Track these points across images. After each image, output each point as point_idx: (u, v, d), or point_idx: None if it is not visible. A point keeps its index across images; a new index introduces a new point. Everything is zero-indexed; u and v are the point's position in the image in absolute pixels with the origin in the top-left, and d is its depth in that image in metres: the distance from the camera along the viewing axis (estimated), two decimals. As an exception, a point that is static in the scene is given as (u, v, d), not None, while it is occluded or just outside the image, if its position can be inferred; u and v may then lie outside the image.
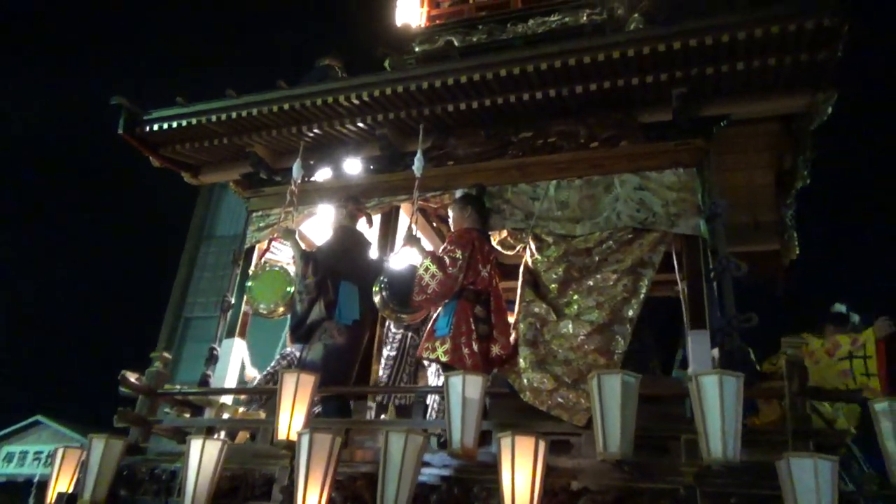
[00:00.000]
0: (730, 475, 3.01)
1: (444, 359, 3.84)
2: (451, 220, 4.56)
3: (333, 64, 5.41)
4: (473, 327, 3.94)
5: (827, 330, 4.43)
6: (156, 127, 5.16)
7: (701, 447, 2.94)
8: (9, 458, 15.03)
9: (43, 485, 4.13)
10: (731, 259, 4.05)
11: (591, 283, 4.09)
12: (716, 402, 2.88)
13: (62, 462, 4.06)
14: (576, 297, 4.08)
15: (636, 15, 5.24)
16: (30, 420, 15.36)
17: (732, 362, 3.52)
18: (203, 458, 3.56)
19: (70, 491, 3.98)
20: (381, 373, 4.74)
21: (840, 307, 4.59)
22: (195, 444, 3.60)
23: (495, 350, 3.97)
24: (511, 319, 4.22)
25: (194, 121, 5.06)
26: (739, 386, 2.93)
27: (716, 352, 3.83)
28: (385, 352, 4.87)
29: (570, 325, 3.96)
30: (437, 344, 3.89)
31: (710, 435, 2.88)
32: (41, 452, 14.36)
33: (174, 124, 5.11)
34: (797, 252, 6.15)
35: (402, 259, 4.47)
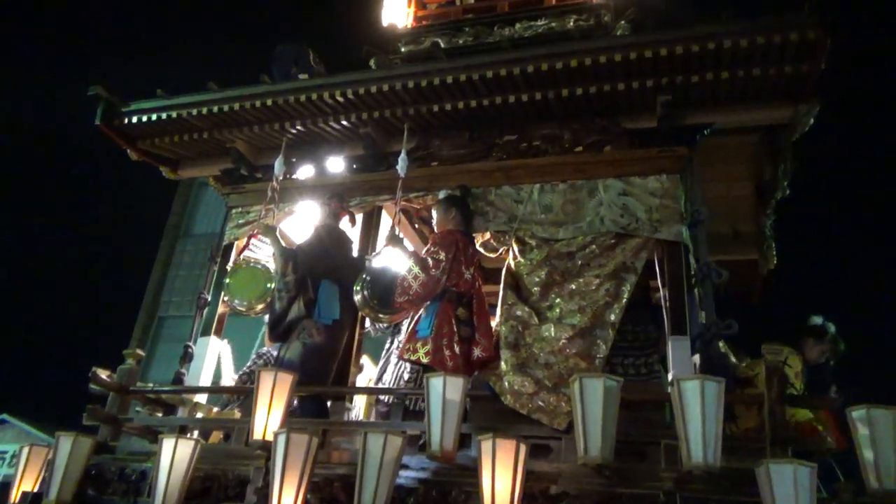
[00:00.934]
0: (709, 481, 3.00)
1: (424, 360, 3.80)
2: (434, 222, 4.52)
3: (298, 45, 5.33)
4: (455, 329, 3.91)
5: (807, 343, 4.47)
6: (134, 119, 5.05)
7: (682, 452, 2.94)
8: (-28, 457, 14.64)
9: (6, 486, 4.01)
10: (712, 266, 4.07)
11: (573, 286, 4.08)
12: (697, 407, 2.88)
13: (27, 461, 3.96)
14: (558, 300, 4.07)
15: (623, 22, 5.29)
16: (-5, 419, 14.99)
17: (713, 368, 3.52)
18: (175, 457, 3.47)
19: (35, 490, 3.87)
20: (406, 376, 4.66)
21: (817, 319, 4.63)
22: (167, 444, 3.52)
23: (477, 352, 3.95)
24: (493, 323, 4.19)
25: (174, 114, 4.96)
26: (721, 391, 2.93)
27: (696, 358, 3.84)
28: (392, 359, 4.82)
29: (552, 329, 3.94)
30: (419, 345, 3.86)
31: (692, 440, 2.88)
32: (5, 452, 13.99)
33: (153, 117, 5.01)
34: (775, 262, 6.22)
35: (384, 259, 4.42)
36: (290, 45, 5.36)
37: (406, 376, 4.65)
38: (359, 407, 5.29)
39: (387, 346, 5.27)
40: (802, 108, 4.34)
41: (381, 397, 4.78)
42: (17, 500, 3.84)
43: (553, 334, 3.92)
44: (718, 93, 4.35)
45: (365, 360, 5.45)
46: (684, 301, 4.02)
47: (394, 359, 4.93)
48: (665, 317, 4.17)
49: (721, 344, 3.95)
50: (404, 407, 4.03)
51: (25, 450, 4.01)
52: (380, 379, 5.06)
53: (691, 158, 4.47)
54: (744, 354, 4.51)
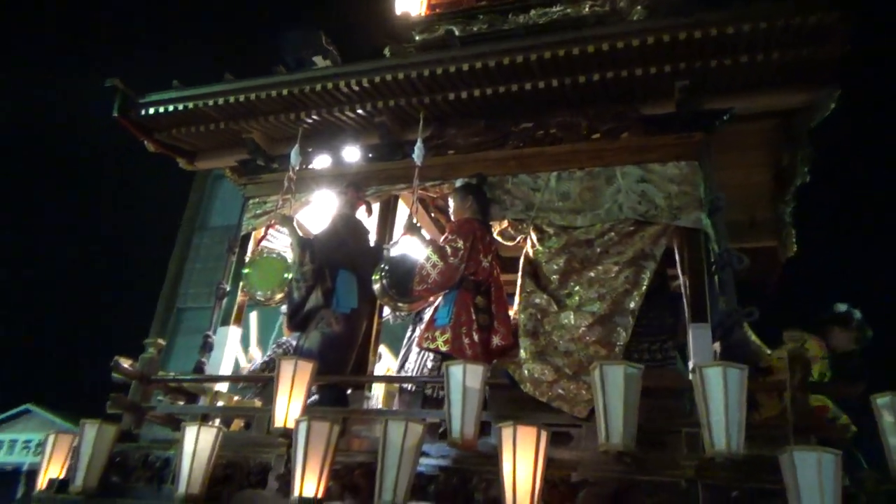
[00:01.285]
0: (731, 469, 2.98)
1: (444, 349, 3.81)
2: (451, 210, 4.52)
3: (310, 30, 5.33)
4: (474, 317, 3.91)
5: (833, 332, 4.40)
6: (151, 111, 5.09)
7: (703, 440, 2.93)
8: (-2, 446, 14.92)
9: (32, 473, 4.08)
10: (732, 252, 4.04)
11: (592, 274, 4.07)
12: (719, 394, 2.86)
13: (54, 448, 4.01)
14: (577, 288, 4.05)
15: (638, 7, 5.23)
16: (20, 408, 15.24)
17: (734, 355, 3.49)
18: (198, 445, 3.52)
19: (62, 477, 3.93)
20: (430, 364, 4.68)
21: (841, 306, 4.57)
22: (190, 431, 3.56)
23: (496, 340, 3.94)
24: (511, 311, 4.19)
25: (191, 105, 4.99)
26: (744, 378, 2.91)
27: (717, 345, 3.82)
28: (414, 347, 4.84)
29: (572, 317, 3.93)
30: (438, 334, 3.86)
31: (714, 427, 2.86)
32: (30, 441, 14.24)
33: (170, 108, 5.04)
34: (794, 249, 6.15)
35: (402, 248, 4.43)
36: (299, 30, 5.36)
37: (430, 364, 4.67)
38: (377, 396, 5.32)
39: (408, 334, 5.29)
40: (822, 92, 4.29)
41: (406, 385, 4.79)
42: (44, 487, 3.90)
43: (572, 322, 3.91)
44: (737, 77, 4.30)
45: (382, 349, 5.47)
46: (704, 288, 3.99)
47: (416, 347, 4.94)
48: (684, 304, 4.15)
49: (747, 331, 3.92)
50: (425, 395, 4.05)
51: (51, 437, 4.06)
52: (402, 367, 5.08)
53: (709, 144, 4.42)
54: (763, 343, 4.48)
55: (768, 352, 4.20)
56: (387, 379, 4.73)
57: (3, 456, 14.70)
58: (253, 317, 5.68)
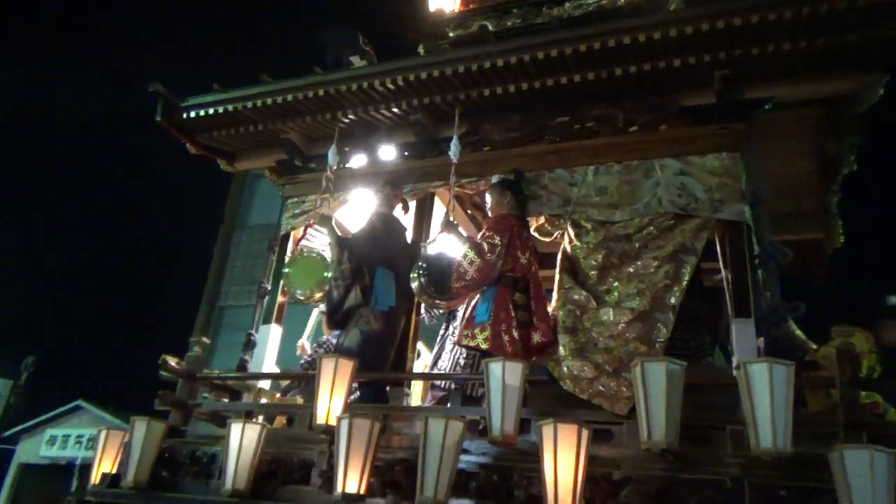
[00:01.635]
0: (778, 467, 2.92)
1: (484, 346, 3.80)
2: (487, 206, 4.51)
3: (348, 28, 5.38)
4: (513, 314, 3.89)
5: (885, 325, 4.26)
6: (192, 114, 5.20)
7: (749, 437, 2.87)
8: (52, 441, 15.46)
9: (85, 468, 4.23)
10: (776, 245, 3.94)
11: (631, 269, 4.02)
12: (765, 390, 2.81)
13: (105, 444, 4.14)
14: (616, 283, 4.01)
15: (676, -4, 5.12)
16: (71, 405, 15.76)
17: (779, 351, 3.42)
18: (243, 441, 3.60)
19: (113, 472, 4.06)
20: (462, 362, 4.71)
21: (893, 299, 4.42)
22: (236, 428, 3.64)
23: (536, 337, 3.91)
24: (549, 307, 4.16)
25: (230, 107, 5.08)
26: (790, 374, 2.84)
27: (761, 341, 3.74)
28: (447, 344, 4.86)
29: (611, 313, 3.89)
30: (477, 331, 3.85)
31: (760, 425, 2.80)
32: (82, 436, 14.73)
33: (210, 111, 5.14)
34: (841, 240, 5.98)
35: (440, 245, 4.44)
36: (337, 29, 5.41)
37: (462, 362, 4.68)
38: (416, 392, 5.36)
39: (441, 331, 5.31)
40: (869, 78, 4.15)
41: (437, 383, 4.82)
42: (97, 481, 4.03)
43: (612, 318, 3.87)
44: (779, 65, 4.19)
45: (421, 346, 5.51)
46: (748, 282, 3.91)
47: (449, 344, 4.96)
48: (725, 298, 4.07)
49: (792, 325, 3.83)
50: (462, 393, 4.05)
51: (103, 433, 4.20)
52: (435, 364, 5.11)
53: (750, 135, 4.32)
54: (808, 338, 4.37)
55: (814, 346, 4.10)
56: (426, 376, 4.76)
57: (57, 450, 15.23)
58: (314, 313, 5.76)
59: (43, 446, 15.44)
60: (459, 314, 5.04)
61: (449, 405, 4.06)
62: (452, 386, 4.14)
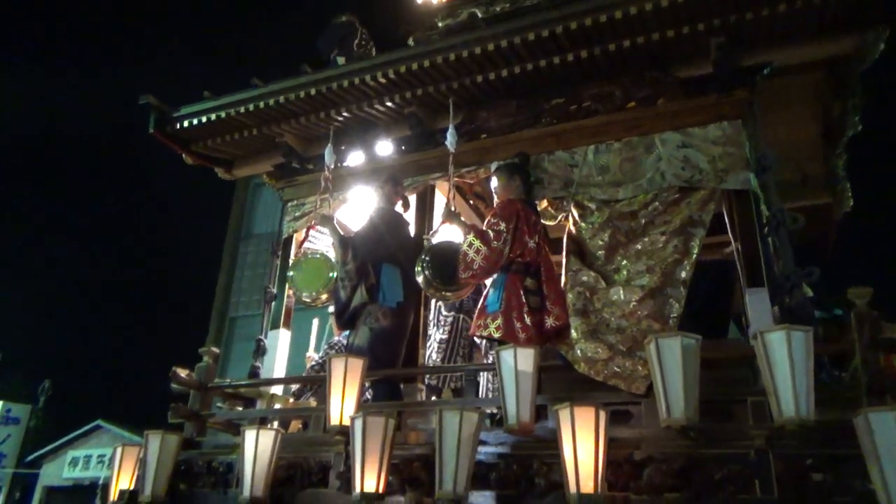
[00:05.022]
0: (803, 436, 2.86)
1: (496, 335, 3.74)
2: (494, 192, 4.45)
3: (351, 20, 5.33)
4: (525, 300, 3.82)
5: None
6: (186, 123, 5.15)
7: (771, 408, 2.81)
8: (74, 462, 15.52)
9: (106, 486, 4.20)
10: (785, 212, 3.86)
11: (639, 246, 3.95)
12: (784, 359, 2.74)
13: (122, 460, 4.11)
14: (624, 262, 3.94)
15: (666, -32, 5.03)
16: (90, 425, 15.83)
17: (796, 318, 3.34)
18: (258, 447, 3.56)
19: (131, 488, 4.03)
20: (434, 356, 4.68)
21: None
22: (249, 435, 3.60)
23: (550, 321, 3.84)
24: None
25: (223, 114, 5.03)
26: (809, 340, 2.77)
27: (776, 309, 3.66)
28: (437, 335, 4.82)
29: (621, 292, 3.82)
30: (489, 320, 3.79)
31: (781, 394, 2.74)
32: (104, 455, 14.76)
33: (204, 119, 5.09)
34: (851, 204, 5.89)
35: (443, 237, 4.38)
36: (340, 22, 5.36)
37: (435, 356, 4.69)
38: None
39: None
40: (869, 35, 4.04)
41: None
42: (115, 498, 4.01)
43: (622, 297, 3.81)
44: (776, 29, 4.09)
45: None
46: (758, 251, 3.84)
47: (437, 334, 4.90)
48: (739, 269, 3.99)
49: (807, 291, 3.75)
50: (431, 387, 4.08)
51: (118, 450, 4.17)
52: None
53: (752, 102, 4.23)
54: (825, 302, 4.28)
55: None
56: (438, 370, 4.69)
57: (80, 471, 15.30)
58: (315, 324, 5.75)
59: (66, 468, 15.51)
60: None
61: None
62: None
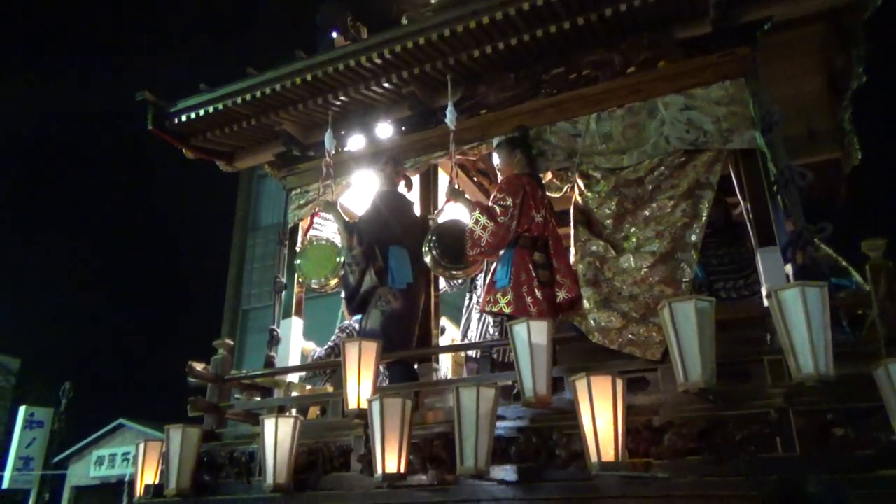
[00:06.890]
0: (822, 392, 2.84)
1: (507, 310, 3.73)
2: (497, 168, 4.41)
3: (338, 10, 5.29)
4: (534, 274, 3.80)
5: None
6: (184, 117, 5.12)
7: (790, 365, 2.79)
8: (99, 461, 15.77)
9: (132, 483, 4.24)
10: (794, 168, 3.81)
11: (647, 212, 3.91)
12: (800, 315, 2.71)
13: (145, 456, 4.15)
14: (633, 229, 3.91)
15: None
16: (113, 424, 16.04)
17: (810, 275, 3.31)
18: (278, 436, 3.58)
19: (156, 482, 4.07)
20: (490, 331, 4.66)
21: None
22: (269, 423, 3.62)
23: (561, 294, 3.82)
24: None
25: (220, 105, 4.99)
26: (824, 295, 2.74)
27: (788, 268, 3.63)
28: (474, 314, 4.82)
29: (631, 259, 3.79)
30: (499, 296, 3.78)
31: (799, 351, 2.72)
32: (128, 453, 14.99)
33: (201, 112, 5.05)
34: (859, 157, 5.81)
35: (448, 215, 4.36)
36: (329, 6, 5.31)
37: (491, 330, 4.62)
38: (446, 367, 5.32)
39: (466, 302, 5.25)
40: (870, -19, 3.96)
41: (471, 354, 4.76)
42: (141, 493, 4.05)
43: (633, 265, 3.78)
44: (775, -19, 4.01)
45: (445, 322, 5.45)
46: (768, 210, 3.79)
47: (475, 314, 4.90)
48: (750, 230, 3.95)
49: (821, 248, 3.71)
50: (492, 360, 3.99)
51: (141, 446, 4.21)
52: (464, 336, 5.05)
53: (754, 59, 4.16)
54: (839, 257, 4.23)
55: (844, 265, 3.98)
56: (452, 348, 4.71)
57: (106, 470, 15.55)
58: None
59: (92, 467, 15.77)
60: (480, 281, 4.98)
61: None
62: (481, 354, 4.08)
